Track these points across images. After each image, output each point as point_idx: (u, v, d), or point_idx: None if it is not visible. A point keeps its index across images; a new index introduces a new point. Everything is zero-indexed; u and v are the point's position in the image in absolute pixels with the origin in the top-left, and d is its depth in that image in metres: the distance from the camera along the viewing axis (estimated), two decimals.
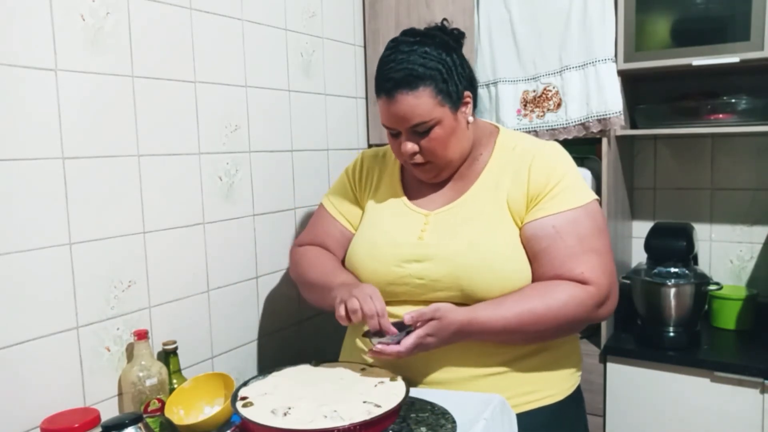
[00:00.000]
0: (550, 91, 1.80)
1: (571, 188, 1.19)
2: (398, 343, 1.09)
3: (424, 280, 1.20)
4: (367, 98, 2.09)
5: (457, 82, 1.19)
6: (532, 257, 1.18)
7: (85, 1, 1.21)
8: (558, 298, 1.13)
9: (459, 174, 1.29)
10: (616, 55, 1.72)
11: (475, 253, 1.17)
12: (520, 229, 1.20)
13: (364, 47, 2.07)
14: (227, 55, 1.54)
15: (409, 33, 1.22)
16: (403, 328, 1.10)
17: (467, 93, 1.22)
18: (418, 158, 1.22)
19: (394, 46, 1.20)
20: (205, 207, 1.49)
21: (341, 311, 1.14)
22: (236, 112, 1.57)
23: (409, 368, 1.17)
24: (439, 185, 1.30)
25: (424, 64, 1.15)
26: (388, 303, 1.22)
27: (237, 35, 1.57)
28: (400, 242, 1.24)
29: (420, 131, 1.18)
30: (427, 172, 1.25)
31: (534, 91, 1.83)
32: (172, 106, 1.40)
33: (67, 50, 1.18)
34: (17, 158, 1.11)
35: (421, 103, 1.15)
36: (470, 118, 1.23)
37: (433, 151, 1.20)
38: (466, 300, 1.17)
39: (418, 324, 1.10)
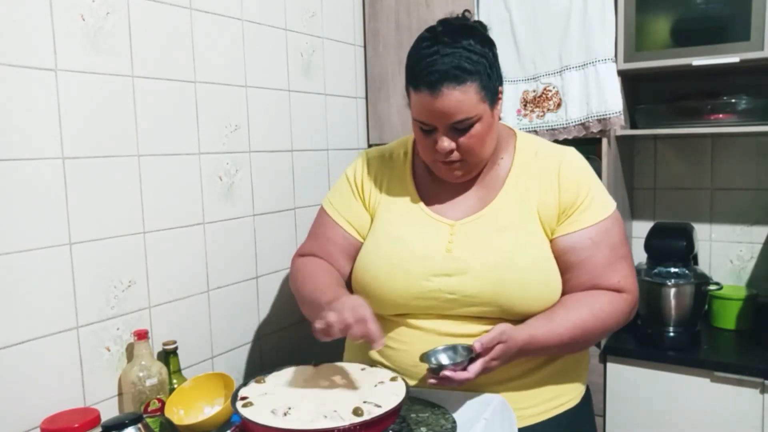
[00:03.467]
0: (550, 91, 1.80)
1: (599, 198, 1.19)
2: (465, 369, 1.03)
3: (456, 295, 1.14)
4: (367, 98, 2.09)
5: (496, 78, 1.15)
6: (567, 268, 1.17)
7: (85, 1, 1.21)
8: (604, 309, 1.14)
9: (480, 179, 1.23)
10: (616, 55, 1.72)
11: (512, 266, 1.13)
12: (552, 240, 1.18)
13: (364, 47, 2.07)
14: (227, 55, 1.54)
15: (447, 24, 1.14)
16: (457, 350, 1.07)
17: (501, 89, 1.18)
18: (455, 155, 1.15)
19: (432, 37, 1.12)
20: (205, 207, 1.49)
21: (317, 325, 1.04)
22: (236, 112, 1.57)
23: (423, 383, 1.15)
24: (458, 191, 1.24)
25: (470, 58, 1.09)
26: (412, 317, 1.19)
27: (237, 35, 1.57)
28: (428, 255, 1.17)
29: (460, 128, 1.12)
30: (457, 170, 1.18)
31: (534, 91, 1.83)
32: (172, 106, 1.40)
33: (67, 50, 1.18)
34: (17, 158, 1.11)
35: (467, 98, 1.09)
36: (501, 115, 1.22)
37: (471, 149, 1.14)
38: (501, 315, 1.14)
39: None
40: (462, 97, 1.09)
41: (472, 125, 1.12)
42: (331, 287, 1.20)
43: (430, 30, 1.14)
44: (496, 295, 1.13)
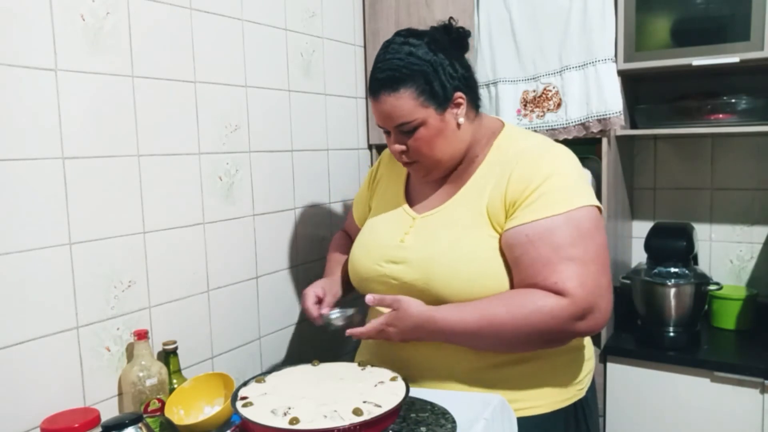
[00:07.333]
0: (550, 91, 1.80)
1: (551, 194, 1.11)
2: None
3: (398, 282, 1.22)
4: (367, 98, 2.09)
5: (445, 82, 1.17)
6: (511, 265, 1.14)
7: (85, 1, 1.21)
8: (524, 307, 1.08)
9: (455, 175, 1.27)
10: (616, 55, 1.72)
11: (447, 259, 1.16)
12: (500, 236, 1.16)
13: (364, 47, 2.07)
14: (227, 55, 1.54)
15: (402, 33, 1.22)
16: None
17: (458, 94, 1.19)
18: (405, 157, 1.24)
19: (384, 46, 1.21)
20: (205, 207, 1.49)
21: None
22: (236, 112, 1.57)
23: (393, 364, 1.18)
24: (435, 188, 1.30)
25: (408, 65, 1.15)
26: None
27: (237, 35, 1.57)
28: (384, 243, 1.28)
29: (405, 131, 1.19)
30: (416, 171, 1.27)
31: (534, 91, 1.83)
32: (172, 106, 1.40)
33: (67, 50, 1.18)
34: (17, 158, 1.11)
35: (402, 104, 1.16)
36: (461, 120, 1.20)
37: (418, 151, 1.21)
38: (440, 304, 1.15)
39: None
40: (396, 103, 1.17)
41: (415, 129, 1.18)
42: (334, 264, 1.53)
43: (387, 41, 1.22)
44: (428, 285, 1.18)
